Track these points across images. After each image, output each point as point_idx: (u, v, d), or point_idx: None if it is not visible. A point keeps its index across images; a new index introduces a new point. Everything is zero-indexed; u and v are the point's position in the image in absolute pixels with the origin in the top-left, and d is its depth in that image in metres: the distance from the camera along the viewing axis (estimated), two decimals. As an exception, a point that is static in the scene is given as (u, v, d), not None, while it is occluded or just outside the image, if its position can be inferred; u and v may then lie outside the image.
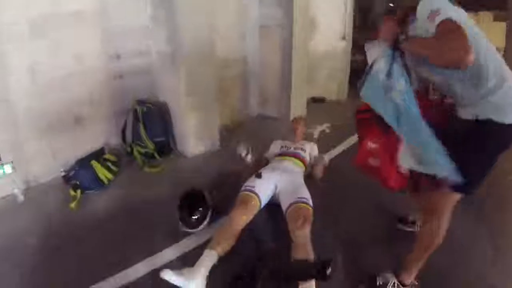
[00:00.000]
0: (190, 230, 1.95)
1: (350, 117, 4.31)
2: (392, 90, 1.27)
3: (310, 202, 1.91)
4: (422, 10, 1.22)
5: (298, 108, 4.16)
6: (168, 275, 1.45)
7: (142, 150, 2.88)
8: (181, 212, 1.96)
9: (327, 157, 2.62)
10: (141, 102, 2.91)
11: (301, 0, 3.64)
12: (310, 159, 2.51)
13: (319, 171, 2.43)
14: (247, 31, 3.83)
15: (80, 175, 2.43)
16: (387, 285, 1.53)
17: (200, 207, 1.99)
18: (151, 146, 2.86)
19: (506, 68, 1.24)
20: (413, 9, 1.26)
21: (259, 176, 2.08)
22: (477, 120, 1.23)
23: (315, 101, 4.93)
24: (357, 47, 4.86)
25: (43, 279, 1.66)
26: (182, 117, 2.89)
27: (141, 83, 3.02)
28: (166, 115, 3.01)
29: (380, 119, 1.32)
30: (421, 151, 1.26)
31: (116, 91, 2.89)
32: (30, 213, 2.21)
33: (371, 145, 1.48)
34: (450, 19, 1.10)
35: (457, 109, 1.33)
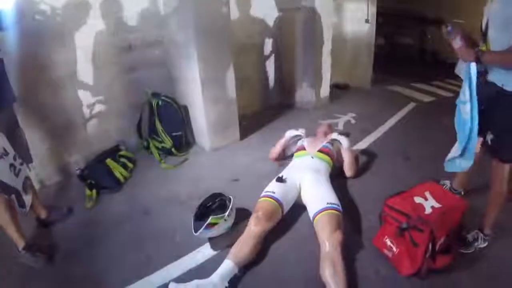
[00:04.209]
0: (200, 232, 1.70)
1: (375, 106, 3.98)
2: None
3: (340, 207, 1.74)
4: None
5: (321, 95, 3.94)
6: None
7: (159, 145, 2.75)
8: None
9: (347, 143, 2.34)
10: (156, 95, 2.76)
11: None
12: (337, 152, 2.30)
13: (349, 168, 2.26)
14: (266, 15, 3.59)
15: (95, 173, 2.33)
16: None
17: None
18: (168, 141, 2.73)
19: None
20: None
21: (281, 180, 1.90)
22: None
23: (339, 88, 4.68)
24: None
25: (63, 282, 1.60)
26: (201, 110, 2.71)
27: (156, 75, 2.85)
28: (183, 108, 2.85)
29: (402, 229, 1.52)
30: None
31: (130, 84, 2.73)
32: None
33: (387, 240, 1.59)
34: None
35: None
